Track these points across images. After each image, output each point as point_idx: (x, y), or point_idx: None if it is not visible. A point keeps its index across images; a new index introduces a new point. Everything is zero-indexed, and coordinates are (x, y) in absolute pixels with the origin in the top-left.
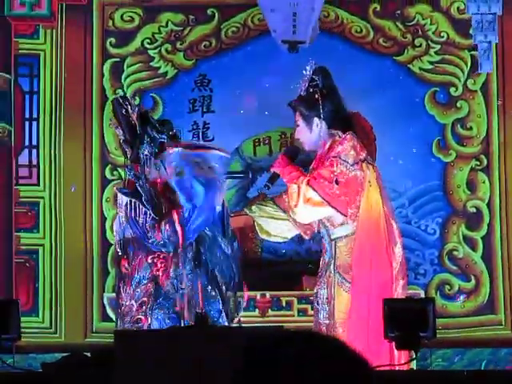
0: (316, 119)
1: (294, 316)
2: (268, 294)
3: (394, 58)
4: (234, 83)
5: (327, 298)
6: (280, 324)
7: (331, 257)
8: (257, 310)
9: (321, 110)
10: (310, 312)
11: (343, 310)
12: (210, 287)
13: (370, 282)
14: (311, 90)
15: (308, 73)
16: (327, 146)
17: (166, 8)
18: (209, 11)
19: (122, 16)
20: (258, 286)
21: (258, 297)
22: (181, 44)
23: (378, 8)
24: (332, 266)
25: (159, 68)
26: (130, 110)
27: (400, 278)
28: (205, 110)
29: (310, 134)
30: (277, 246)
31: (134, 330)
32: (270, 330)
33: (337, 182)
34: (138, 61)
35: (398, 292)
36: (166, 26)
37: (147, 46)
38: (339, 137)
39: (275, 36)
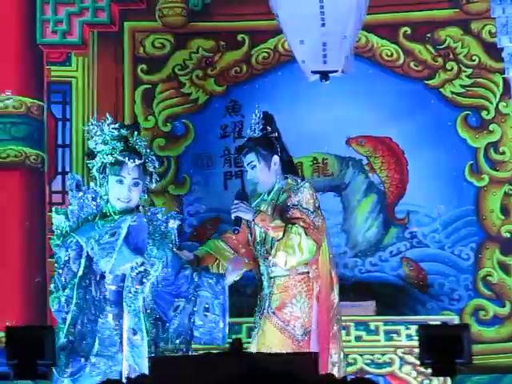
0: (275, 157)
1: None
2: None
3: (426, 81)
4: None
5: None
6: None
7: (270, 292)
8: None
9: (278, 149)
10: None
11: (266, 342)
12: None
13: None
14: (265, 131)
15: (257, 117)
16: (282, 190)
17: (196, 34)
18: (239, 37)
19: (152, 42)
20: None
21: None
22: (212, 70)
23: (409, 31)
24: (268, 302)
25: (190, 94)
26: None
27: (334, 324)
28: (236, 135)
29: (269, 172)
30: None
31: (170, 356)
32: (303, 357)
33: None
34: (169, 87)
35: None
36: (197, 52)
37: (178, 72)
38: (295, 181)
39: (304, 67)
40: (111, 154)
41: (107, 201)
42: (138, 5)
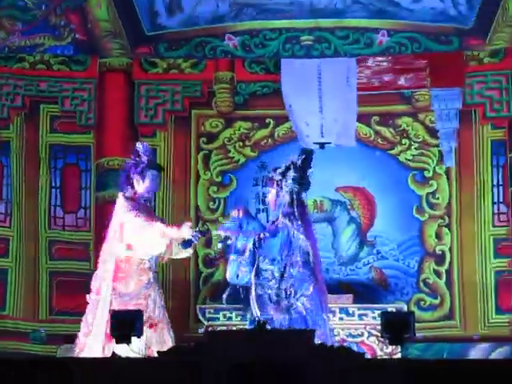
0: None
1: None
2: None
3: (388, 151)
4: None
5: None
6: None
7: None
8: None
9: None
10: None
11: None
12: None
13: None
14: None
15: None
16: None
17: (239, 118)
18: (267, 120)
19: (210, 123)
20: None
21: None
22: (248, 142)
23: (378, 119)
24: None
25: (234, 157)
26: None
27: None
28: (264, 184)
29: None
30: None
31: (221, 331)
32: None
33: None
34: (220, 153)
35: None
36: (239, 130)
37: (226, 143)
38: None
39: (308, 140)
40: None
41: None
42: (201, 99)
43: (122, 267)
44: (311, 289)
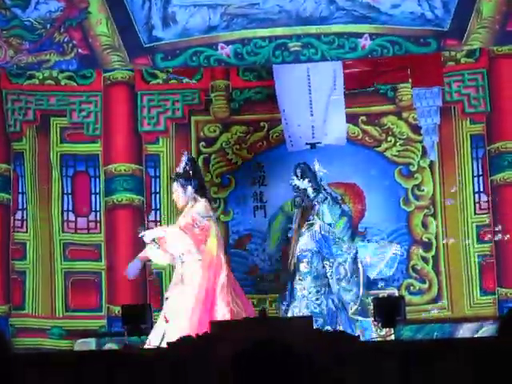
0: (189, 187)
1: None
2: None
3: (375, 148)
4: (279, 167)
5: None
6: None
7: (182, 272)
8: None
9: (192, 182)
10: None
11: (183, 306)
12: None
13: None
14: (186, 169)
15: (184, 158)
16: (190, 205)
17: (235, 123)
18: (261, 124)
19: (209, 128)
20: None
21: None
22: (245, 144)
23: (365, 118)
24: (180, 277)
25: (232, 159)
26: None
27: (221, 299)
28: (260, 183)
29: (184, 195)
30: None
31: (225, 320)
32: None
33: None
34: (218, 155)
35: (219, 305)
36: (236, 133)
37: (224, 146)
38: (198, 200)
39: (300, 141)
40: None
41: None
42: (200, 106)
43: None
44: None
